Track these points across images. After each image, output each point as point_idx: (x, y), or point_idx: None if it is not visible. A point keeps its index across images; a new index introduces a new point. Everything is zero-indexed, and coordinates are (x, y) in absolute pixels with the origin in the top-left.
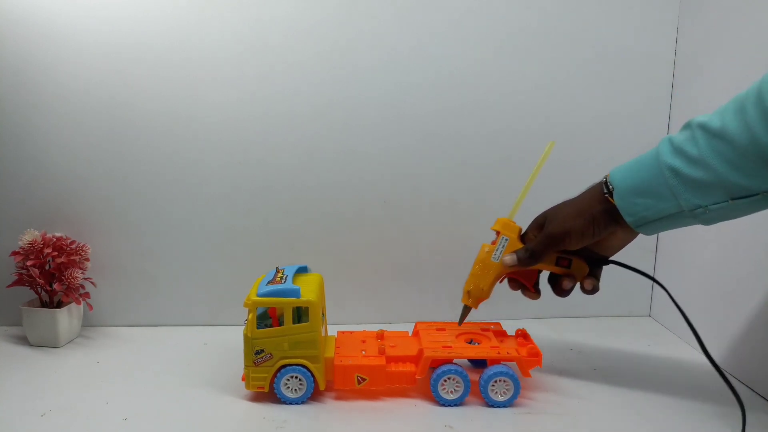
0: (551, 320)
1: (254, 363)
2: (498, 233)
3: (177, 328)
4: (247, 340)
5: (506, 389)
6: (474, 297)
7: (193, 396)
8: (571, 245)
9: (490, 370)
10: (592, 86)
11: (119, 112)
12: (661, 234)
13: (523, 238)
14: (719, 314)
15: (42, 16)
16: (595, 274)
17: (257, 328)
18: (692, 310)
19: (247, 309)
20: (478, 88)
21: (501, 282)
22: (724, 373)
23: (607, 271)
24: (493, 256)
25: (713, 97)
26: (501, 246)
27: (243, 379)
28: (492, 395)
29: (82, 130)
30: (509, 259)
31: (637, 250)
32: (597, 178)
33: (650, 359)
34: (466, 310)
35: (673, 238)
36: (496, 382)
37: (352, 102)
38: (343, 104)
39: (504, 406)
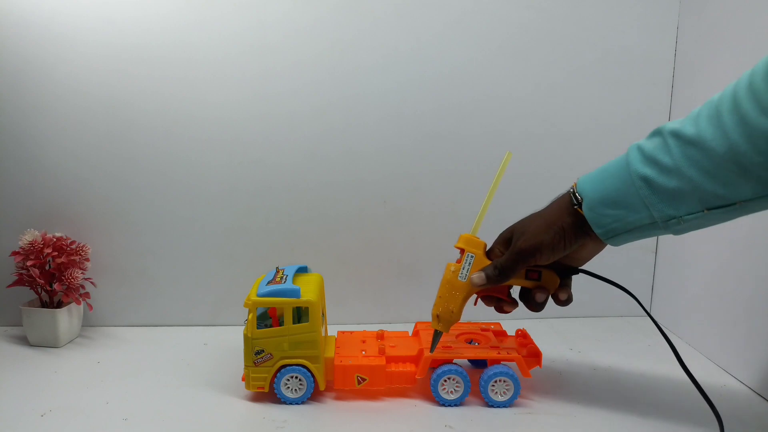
0: (551, 320)
1: (254, 363)
2: (462, 251)
3: (177, 328)
4: (247, 341)
5: (506, 389)
6: (444, 321)
7: (193, 396)
8: (541, 260)
9: (490, 370)
10: (592, 86)
11: (119, 113)
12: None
13: (489, 254)
14: (719, 314)
15: (42, 17)
16: (566, 284)
17: (257, 329)
18: (692, 310)
19: (247, 309)
20: (477, 88)
21: (476, 304)
22: (703, 390)
23: (607, 271)
24: (459, 275)
25: None
26: (467, 264)
27: (243, 380)
28: (492, 395)
29: (83, 131)
30: (478, 278)
31: (637, 251)
32: None
33: (650, 359)
34: (438, 335)
35: (674, 237)
36: (496, 382)
37: (352, 102)
38: (343, 104)
39: (504, 406)
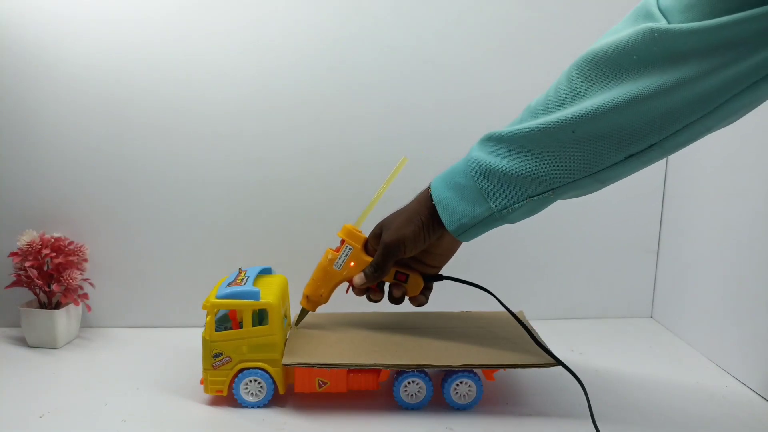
0: (552, 321)
1: (213, 366)
2: (342, 241)
3: (175, 329)
4: (206, 343)
5: (469, 392)
6: (312, 302)
7: (192, 397)
8: (406, 252)
9: (452, 372)
10: None
11: (118, 113)
12: (662, 234)
13: (366, 247)
14: (720, 315)
15: (42, 17)
16: (428, 288)
17: (216, 331)
18: (693, 310)
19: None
20: (476, 88)
21: (347, 292)
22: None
23: (608, 272)
24: (335, 264)
25: None
26: (344, 255)
27: (201, 383)
28: (455, 398)
29: (81, 131)
30: (359, 280)
31: (638, 252)
32: None
33: (651, 361)
34: (304, 312)
35: (674, 237)
36: (458, 384)
37: (350, 102)
38: (342, 105)
39: (467, 409)
